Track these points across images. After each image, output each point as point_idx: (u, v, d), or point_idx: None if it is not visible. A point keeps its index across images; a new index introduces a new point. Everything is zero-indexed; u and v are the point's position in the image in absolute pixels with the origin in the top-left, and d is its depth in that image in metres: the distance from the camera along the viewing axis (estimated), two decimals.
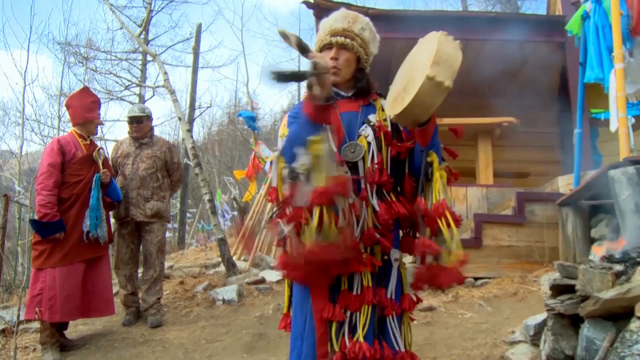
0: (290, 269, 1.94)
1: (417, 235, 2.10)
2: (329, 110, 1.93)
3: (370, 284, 1.97)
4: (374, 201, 2.02)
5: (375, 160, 2.04)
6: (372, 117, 2.14)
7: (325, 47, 2.16)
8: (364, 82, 2.20)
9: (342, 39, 2.12)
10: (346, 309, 1.96)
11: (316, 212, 1.87)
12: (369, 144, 2.06)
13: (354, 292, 1.98)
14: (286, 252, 2.00)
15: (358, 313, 1.95)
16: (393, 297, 2.04)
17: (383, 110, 2.17)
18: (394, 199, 2.07)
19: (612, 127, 4.52)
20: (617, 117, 4.29)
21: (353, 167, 2.05)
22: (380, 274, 2.04)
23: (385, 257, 2.06)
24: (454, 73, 1.85)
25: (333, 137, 2.04)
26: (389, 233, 2.04)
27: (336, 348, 1.93)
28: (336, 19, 2.19)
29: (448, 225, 1.93)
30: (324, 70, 1.85)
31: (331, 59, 2.11)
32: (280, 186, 2.10)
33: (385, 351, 1.95)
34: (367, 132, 2.09)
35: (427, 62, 1.83)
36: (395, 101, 1.99)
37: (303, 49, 1.95)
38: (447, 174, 2.07)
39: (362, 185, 2.03)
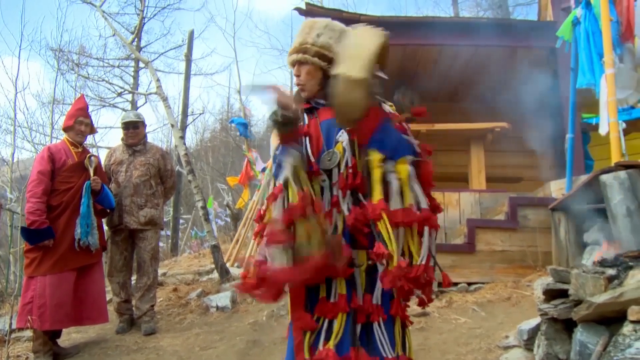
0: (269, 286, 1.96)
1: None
2: (294, 134, 2.04)
3: (345, 291, 1.95)
4: (344, 207, 2.00)
5: (350, 164, 2.02)
6: None
7: (292, 66, 2.22)
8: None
9: (296, 56, 2.16)
10: (324, 317, 1.95)
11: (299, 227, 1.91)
12: (344, 149, 2.05)
13: (332, 300, 1.96)
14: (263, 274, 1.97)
15: (335, 320, 1.94)
16: (379, 303, 2.00)
17: None
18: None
19: (602, 130, 4.56)
20: (607, 122, 4.32)
21: (328, 174, 2.05)
22: (366, 280, 2.02)
23: (370, 263, 2.00)
24: (365, 62, 1.83)
25: (311, 148, 2.08)
26: (364, 237, 1.95)
27: (307, 356, 1.93)
28: (297, 36, 2.23)
29: (420, 229, 1.90)
30: (285, 120, 1.95)
31: (295, 76, 2.18)
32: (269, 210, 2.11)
33: (362, 358, 1.92)
34: (343, 137, 2.07)
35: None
36: None
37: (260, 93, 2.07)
38: (418, 167, 1.97)
39: (334, 192, 2.03)
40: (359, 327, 1.98)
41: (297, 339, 1.96)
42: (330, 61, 2.12)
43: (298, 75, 2.16)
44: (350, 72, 1.79)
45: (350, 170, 2.01)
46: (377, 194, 1.89)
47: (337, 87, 1.83)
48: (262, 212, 2.16)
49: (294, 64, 2.18)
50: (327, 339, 1.92)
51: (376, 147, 1.93)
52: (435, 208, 2.00)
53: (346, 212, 1.98)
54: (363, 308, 1.98)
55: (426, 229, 1.89)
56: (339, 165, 2.03)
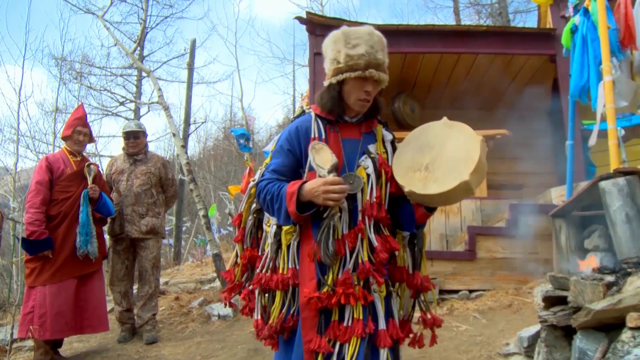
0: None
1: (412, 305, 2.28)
2: (309, 217, 2.04)
3: (361, 317, 1.94)
4: (372, 235, 2.00)
5: (374, 194, 2.03)
6: (372, 148, 2.12)
7: (359, 77, 2.02)
8: (377, 106, 2.19)
9: (381, 75, 2.03)
10: (335, 340, 1.94)
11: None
12: (368, 176, 2.05)
13: (345, 324, 1.95)
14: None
15: (347, 345, 1.92)
16: (385, 329, 2.02)
17: (383, 141, 2.17)
18: (388, 233, 2.07)
19: (591, 141, 4.57)
20: (597, 131, 4.34)
21: (349, 197, 2.02)
22: (373, 306, 2.02)
23: (392, 289, 2.14)
24: (481, 182, 2.01)
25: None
26: (383, 267, 2.04)
27: None
28: (374, 44, 2.03)
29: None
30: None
31: (365, 91, 2.04)
32: (245, 215, 2.30)
33: None
34: (367, 163, 2.07)
35: (466, 164, 1.93)
36: (413, 175, 2.02)
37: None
38: None
39: (360, 218, 2.01)
40: (384, 352, 1.99)
41: None
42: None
43: (369, 91, 2.05)
44: (474, 186, 1.92)
45: (375, 200, 2.03)
46: (425, 268, 2.24)
47: (457, 187, 1.90)
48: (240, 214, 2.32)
49: (370, 78, 2.02)
50: None
51: (424, 228, 2.23)
52: None
53: (375, 242, 2.00)
54: (388, 332, 2.01)
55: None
56: (361, 190, 2.03)
